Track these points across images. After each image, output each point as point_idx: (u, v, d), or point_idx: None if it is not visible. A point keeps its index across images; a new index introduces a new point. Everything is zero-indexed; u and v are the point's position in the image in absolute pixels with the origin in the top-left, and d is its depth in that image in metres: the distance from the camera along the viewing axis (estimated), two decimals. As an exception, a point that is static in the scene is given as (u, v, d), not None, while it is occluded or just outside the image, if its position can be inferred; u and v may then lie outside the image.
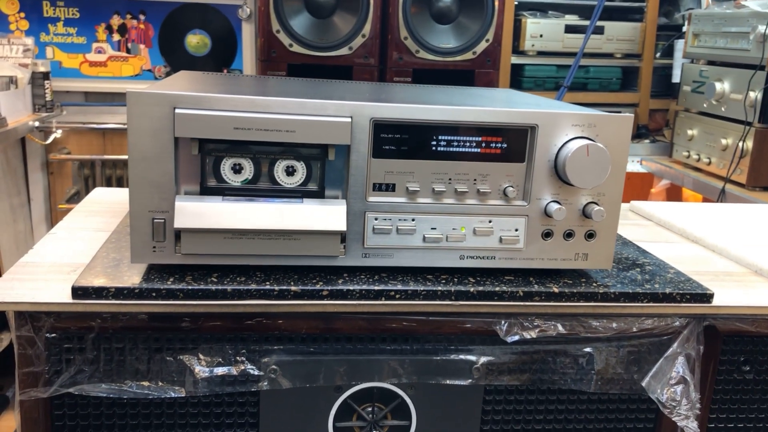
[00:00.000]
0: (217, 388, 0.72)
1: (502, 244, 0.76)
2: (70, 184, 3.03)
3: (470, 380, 0.76)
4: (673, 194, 2.60)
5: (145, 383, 0.72)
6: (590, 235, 0.77)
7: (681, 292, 0.77)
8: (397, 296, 0.72)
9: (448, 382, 0.76)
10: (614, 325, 0.77)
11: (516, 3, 2.75)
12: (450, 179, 0.74)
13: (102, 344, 0.71)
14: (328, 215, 0.71)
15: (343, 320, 0.73)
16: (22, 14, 2.97)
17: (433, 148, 0.73)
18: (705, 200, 2.36)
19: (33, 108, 2.80)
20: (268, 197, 0.71)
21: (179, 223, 0.68)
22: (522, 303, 0.74)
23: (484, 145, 0.74)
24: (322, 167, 0.72)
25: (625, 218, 1.13)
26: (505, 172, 0.75)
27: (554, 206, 0.74)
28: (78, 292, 0.68)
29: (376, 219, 0.73)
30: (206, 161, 0.70)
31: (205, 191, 0.71)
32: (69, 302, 0.68)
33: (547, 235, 0.76)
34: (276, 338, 0.73)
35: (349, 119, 0.70)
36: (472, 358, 0.76)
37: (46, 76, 2.84)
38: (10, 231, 2.77)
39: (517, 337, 0.75)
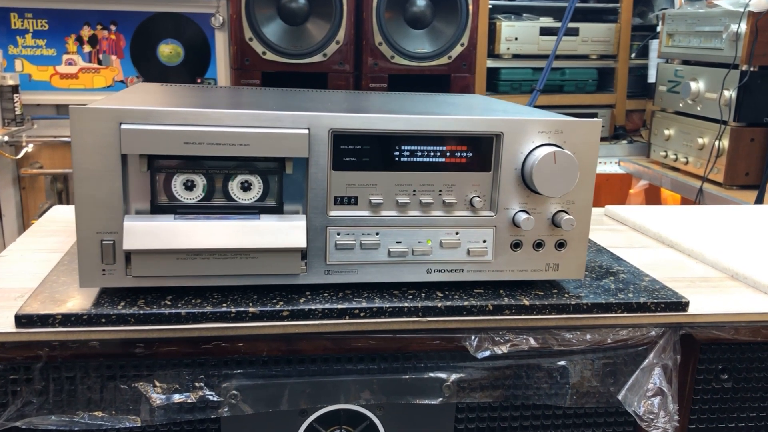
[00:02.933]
0: (175, 415, 0.69)
1: (470, 256, 0.73)
2: (44, 199, 2.97)
3: (441, 399, 0.73)
4: (652, 195, 2.60)
5: (99, 413, 0.68)
6: (561, 245, 0.74)
7: (655, 301, 0.74)
8: (362, 314, 0.69)
9: (418, 401, 0.73)
10: (588, 336, 0.75)
11: (490, 6, 2.74)
12: (414, 191, 0.71)
13: (51, 374, 0.67)
14: (286, 232, 0.68)
15: (306, 341, 0.70)
16: (-11, 27, 2.91)
17: (396, 158, 0.70)
18: (683, 200, 2.35)
19: (2, 122, 2.75)
20: (223, 214, 0.68)
21: (128, 244, 0.65)
22: (492, 317, 0.72)
23: (448, 154, 0.71)
24: (280, 181, 0.69)
25: (599, 223, 1.11)
26: (471, 181, 0.72)
27: (522, 216, 0.72)
28: (22, 320, 0.64)
29: (338, 234, 0.70)
30: (156, 178, 0.67)
31: (156, 210, 0.68)
32: (12, 332, 0.64)
33: (516, 245, 0.74)
34: (236, 362, 0.70)
35: (306, 131, 0.67)
36: (443, 375, 0.73)
37: (15, 89, 2.78)
38: (-20, 248, 2.71)
39: (487, 353, 0.72)
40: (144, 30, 3.02)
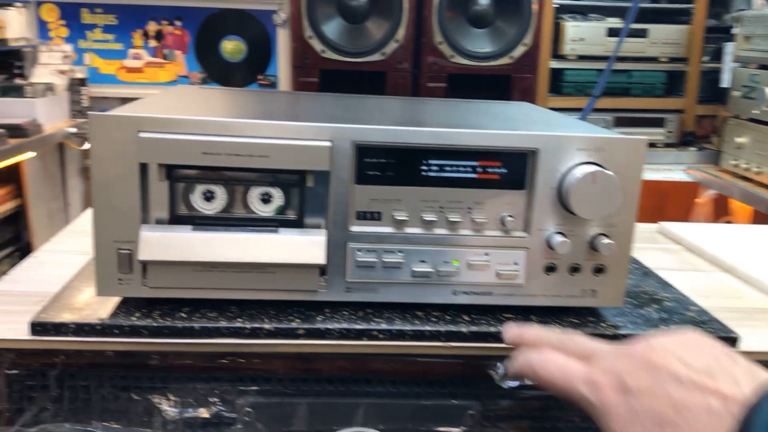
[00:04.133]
0: (188, 430, 0.67)
1: (500, 279, 0.69)
2: (107, 190, 3.05)
3: (464, 427, 0.69)
4: (720, 205, 2.47)
5: (112, 424, 0.67)
6: (599, 270, 0.69)
7: (701, 335, 0.68)
8: (381, 336, 0.66)
9: (439, 428, 0.69)
10: (626, 369, 0.69)
11: (556, 6, 2.66)
12: (441, 207, 0.68)
13: (66, 381, 0.66)
14: (305, 247, 0.65)
15: (323, 360, 0.68)
16: (62, 21, 3.01)
17: (423, 173, 0.67)
18: (755, 212, 2.23)
19: (70, 114, 2.83)
20: (242, 226, 0.66)
21: (144, 255, 0.64)
22: (520, 345, 0.67)
23: (479, 170, 0.67)
24: (301, 194, 0.67)
25: (652, 241, 1.05)
26: (503, 200, 0.68)
27: (558, 238, 0.67)
28: (36, 327, 0.64)
29: (359, 251, 0.67)
30: (175, 188, 0.66)
31: (175, 220, 0.66)
32: (28, 339, 0.64)
33: (550, 269, 0.69)
34: (251, 378, 0.68)
35: (328, 143, 0.64)
36: (466, 402, 0.69)
37: (83, 82, 2.87)
38: (46, 236, 2.80)
39: (516, 383, 0.68)
40: (208, 26, 3.06)
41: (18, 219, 2.66)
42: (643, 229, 1.11)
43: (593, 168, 0.65)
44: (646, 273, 0.86)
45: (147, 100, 0.76)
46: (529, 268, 0.69)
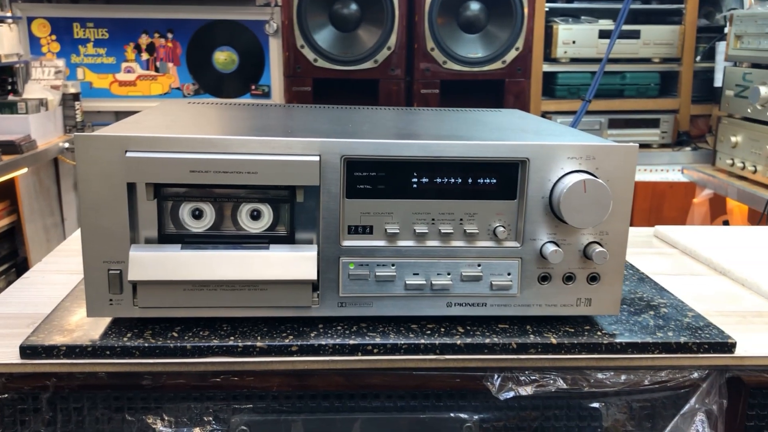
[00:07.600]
0: (183, 450, 0.67)
1: (494, 290, 0.68)
2: (103, 204, 3.04)
3: (461, 440, 0.69)
4: (717, 205, 2.47)
5: (106, 446, 0.66)
6: (593, 279, 0.69)
7: (698, 341, 0.68)
8: (375, 351, 0.66)
9: (436, 442, 0.69)
10: (623, 378, 0.69)
11: (547, 9, 2.66)
12: (433, 219, 0.67)
13: (59, 404, 0.66)
14: (296, 263, 0.65)
15: (318, 376, 0.67)
16: (54, 36, 3.00)
17: (414, 186, 0.66)
18: (750, 211, 2.22)
19: (64, 129, 2.82)
20: (232, 244, 0.66)
21: (133, 275, 0.63)
22: (516, 356, 0.67)
23: (469, 181, 0.67)
24: (291, 210, 0.66)
25: (647, 246, 1.04)
26: (495, 210, 0.68)
27: (551, 248, 0.67)
28: (26, 351, 0.63)
29: (351, 265, 0.67)
30: (163, 207, 0.65)
31: (164, 239, 0.66)
32: (18, 362, 0.63)
33: (544, 279, 0.69)
34: (245, 396, 0.67)
35: (317, 158, 0.63)
36: (464, 416, 0.69)
37: (76, 97, 2.86)
38: (43, 251, 2.79)
39: (511, 394, 0.68)
40: (199, 37, 3.06)
41: (14, 235, 2.65)
42: (638, 233, 1.11)
43: (583, 176, 0.65)
44: (642, 279, 0.86)
45: (134, 118, 0.76)
46: (523, 278, 0.68)
